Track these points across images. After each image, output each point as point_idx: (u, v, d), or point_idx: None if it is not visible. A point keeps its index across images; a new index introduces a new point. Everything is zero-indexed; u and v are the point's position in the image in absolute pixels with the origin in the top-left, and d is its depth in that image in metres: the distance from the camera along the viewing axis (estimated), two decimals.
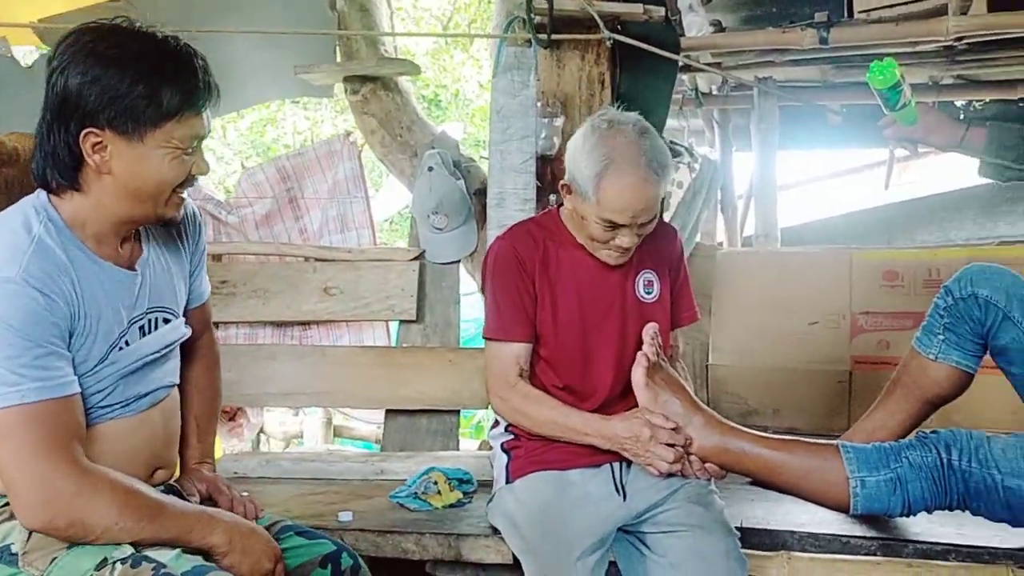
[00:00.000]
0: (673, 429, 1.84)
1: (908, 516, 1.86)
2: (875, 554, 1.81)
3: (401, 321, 3.09)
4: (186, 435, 1.75)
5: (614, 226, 1.81)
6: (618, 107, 1.96)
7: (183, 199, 1.57)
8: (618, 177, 1.77)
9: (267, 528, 1.59)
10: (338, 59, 3.28)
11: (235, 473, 2.59)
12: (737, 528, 1.82)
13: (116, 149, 1.43)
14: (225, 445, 3.46)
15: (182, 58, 1.47)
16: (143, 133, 1.43)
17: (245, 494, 1.75)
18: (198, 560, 1.41)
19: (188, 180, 1.53)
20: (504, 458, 1.97)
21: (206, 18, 2.98)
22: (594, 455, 1.88)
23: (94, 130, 1.42)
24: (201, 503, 1.66)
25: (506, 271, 1.92)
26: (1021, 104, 4.05)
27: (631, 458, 1.85)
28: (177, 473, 1.73)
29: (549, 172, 2.71)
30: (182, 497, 1.62)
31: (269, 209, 3.35)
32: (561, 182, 1.90)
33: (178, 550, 1.41)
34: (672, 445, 1.83)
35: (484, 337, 1.95)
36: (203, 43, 1.52)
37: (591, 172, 1.79)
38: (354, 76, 3.18)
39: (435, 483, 2.22)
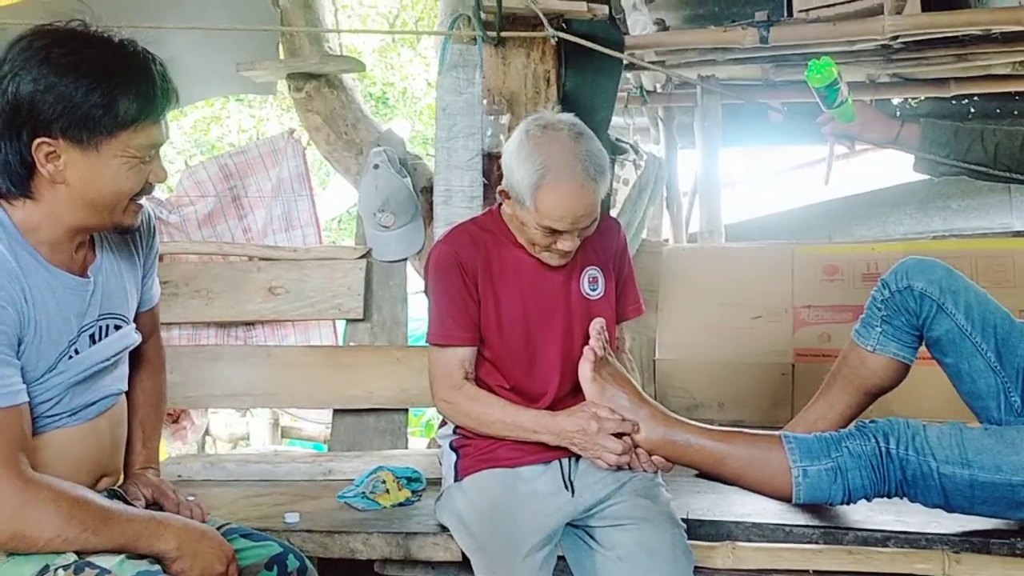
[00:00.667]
0: (619, 419, 1.86)
1: (849, 504, 1.91)
2: (817, 542, 1.85)
3: (348, 320, 3.07)
4: (131, 440, 1.72)
5: (554, 232, 1.81)
6: (556, 108, 1.96)
7: (142, 206, 1.54)
8: (556, 186, 1.75)
9: None
10: (281, 56, 3.24)
11: (179, 476, 2.55)
12: (683, 520, 1.84)
13: (70, 159, 1.40)
14: (169, 448, 3.41)
15: (139, 65, 1.43)
16: (98, 143, 1.40)
17: (191, 498, 1.72)
18: (143, 565, 1.38)
19: (145, 188, 1.50)
20: (453, 456, 1.96)
21: (144, 13, 2.92)
22: (543, 452, 1.88)
23: (47, 139, 1.38)
24: (147, 508, 1.63)
25: (447, 276, 1.90)
26: (954, 102, 4.17)
27: (579, 452, 1.86)
28: (121, 478, 1.70)
29: (495, 169, 2.71)
30: (127, 503, 1.59)
31: (212, 208, 3.30)
32: (499, 188, 1.89)
33: (123, 556, 1.38)
34: (620, 436, 1.85)
35: (428, 343, 1.94)
36: (142, 39, 1.49)
37: (528, 181, 1.77)
38: (298, 73, 3.15)
39: (383, 482, 2.21)
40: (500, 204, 1.96)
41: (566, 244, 1.83)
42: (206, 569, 1.44)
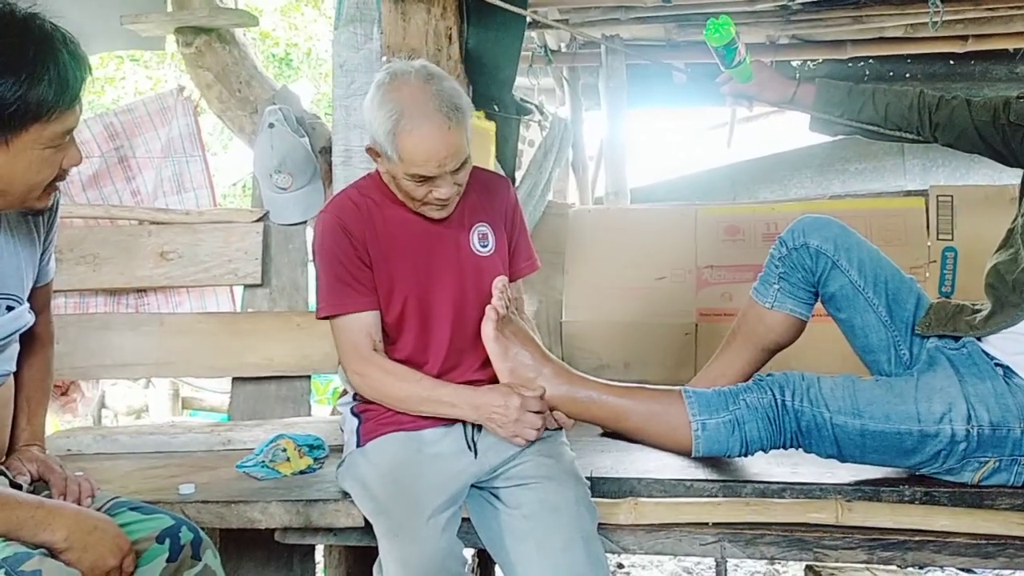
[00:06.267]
0: (539, 397, 1.83)
1: (746, 456, 1.94)
2: (716, 495, 1.88)
3: (245, 286, 2.97)
4: (16, 417, 1.64)
5: (425, 179, 1.77)
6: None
7: (56, 188, 1.45)
8: (412, 130, 1.72)
9: (100, 508, 1.50)
10: (169, 9, 3.09)
11: (68, 450, 2.44)
12: (587, 478, 1.84)
13: None
14: (59, 421, 3.26)
15: (49, 48, 1.31)
16: (9, 138, 1.30)
17: (79, 473, 1.65)
18: (20, 547, 1.31)
19: (60, 175, 1.40)
20: (355, 422, 1.92)
21: None
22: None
23: None
24: (32, 483, 1.57)
25: (336, 244, 1.85)
26: (850, 64, 4.26)
27: (498, 429, 1.80)
28: (4, 457, 1.62)
29: None
30: (10, 480, 1.51)
31: (97, 169, 3.14)
32: (366, 146, 1.84)
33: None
34: (539, 412, 1.81)
35: (324, 317, 1.87)
36: None
37: (384, 130, 1.74)
38: (187, 28, 3.00)
39: (284, 450, 2.16)
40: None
41: (442, 191, 1.78)
42: (97, 562, 1.37)
